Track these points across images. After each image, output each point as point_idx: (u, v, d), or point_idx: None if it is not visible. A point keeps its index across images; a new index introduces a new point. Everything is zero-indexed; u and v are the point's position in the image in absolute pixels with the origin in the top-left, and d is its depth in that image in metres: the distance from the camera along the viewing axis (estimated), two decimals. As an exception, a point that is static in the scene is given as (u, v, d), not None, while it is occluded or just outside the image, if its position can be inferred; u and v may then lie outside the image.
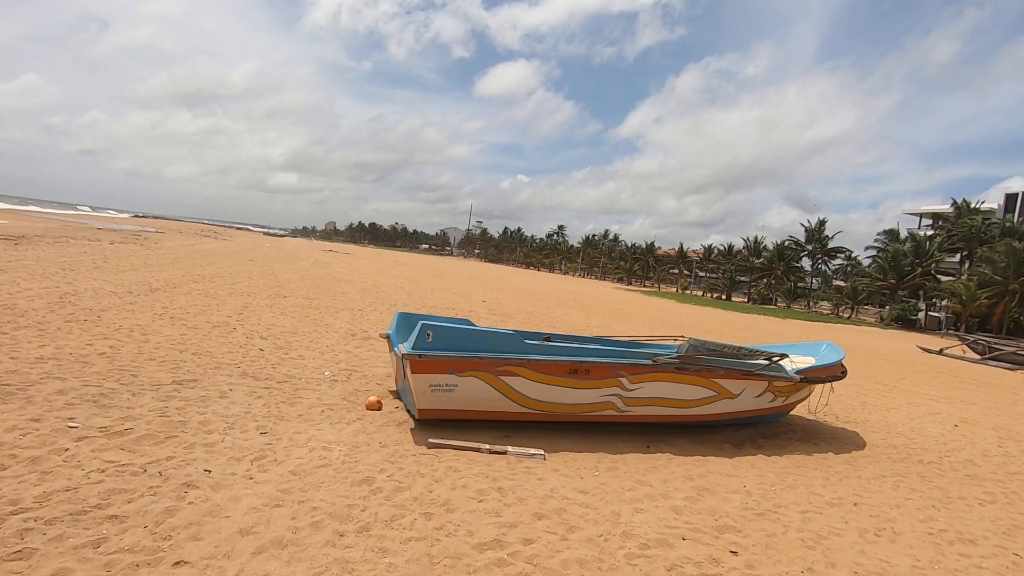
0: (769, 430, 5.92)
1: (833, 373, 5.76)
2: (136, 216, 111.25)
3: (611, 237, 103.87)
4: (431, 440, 4.05)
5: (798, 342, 7.25)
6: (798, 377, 5.39)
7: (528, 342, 4.49)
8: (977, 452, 6.26)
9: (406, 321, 5.38)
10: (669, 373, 4.83)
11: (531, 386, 4.44)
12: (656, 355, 4.83)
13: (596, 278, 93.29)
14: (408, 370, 4.21)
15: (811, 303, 64.23)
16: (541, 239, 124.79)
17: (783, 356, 5.34)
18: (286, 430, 3.94)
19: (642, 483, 3.87)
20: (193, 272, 14.38)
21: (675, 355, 4.88)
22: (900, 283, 51.54)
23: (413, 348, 4.18)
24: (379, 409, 4.80)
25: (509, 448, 4.09)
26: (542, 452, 4.14)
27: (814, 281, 66.70)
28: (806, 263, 66.20)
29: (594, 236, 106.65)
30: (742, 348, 5.94)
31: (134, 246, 22.51)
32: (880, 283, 53.36)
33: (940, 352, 24.40)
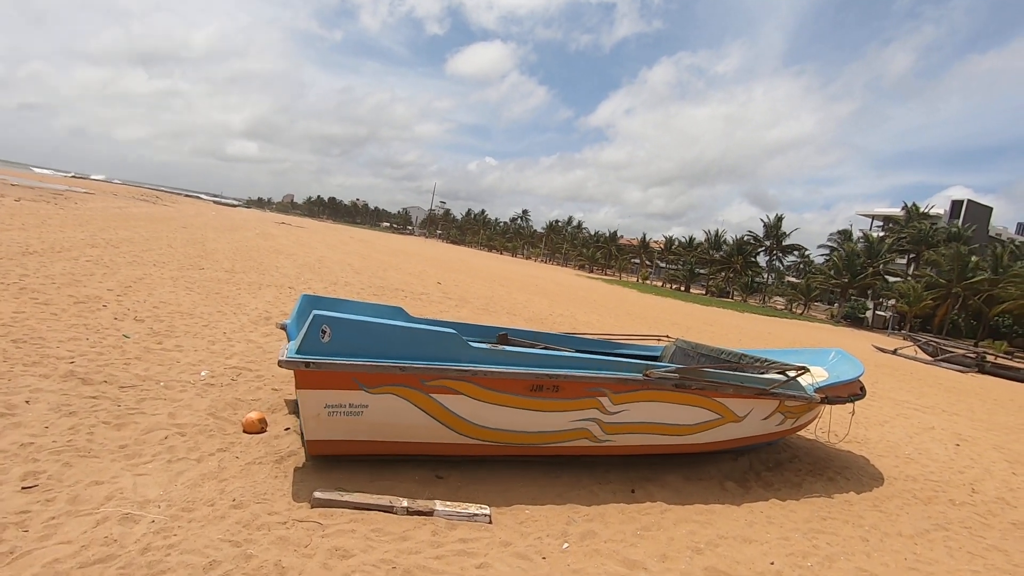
0: (771, 456, 4.80)
1: (853, 391, 4.66)
2: (74, 177, 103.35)
3: (575, 224, 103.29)
4: (317, 494, 2.67)
5: (798, 348, 6.16)
6: (818, 397, 4.24)
7: (476, 346, 3.14)
8: (1000, 485, 5.34)
9: (312, 307, 3.95)
10: (664, 391, 3.59)
11: (477, 408, 3.13)
12: (649, 366, 3.57)
13: (558, 264, 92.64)
14: (295, 383, 2.83)
15: (766, 298, 65.32)
16: (505, 223, 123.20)
17: (803, 370, 4.17)
18: (77, 478, 2.49)
19: (632, 565, 2.62)
20: (99, 236, 12.36)
21: (672, 369, 3.62)
22: (852, 282, 52.74)
23: (299, 351, 2.78)
24: (261, 431, 3.39)
25: (438, 505, 2.76)
26: (487, 511, 2.82)
27: (769, 277, 67.82)
28: (762, 259, 67.27)
29: (558, 222, 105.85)
30: (744, 355, 4.77)
31: (46, 205, 19.90)
32: (834, 281, 54.47)
33: (894, 352, 24.46)
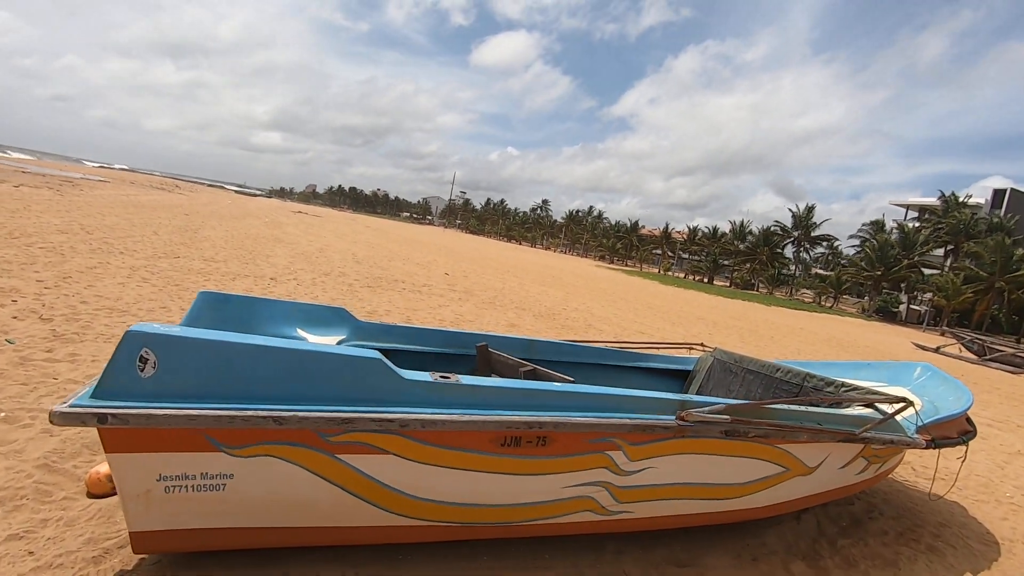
0: (843, 510, 3.60)
1: (964, 428, 3.41)
2: (101, 167, 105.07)
3: (595, 214, 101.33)
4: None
5: (870, 361, 4.89)
6: (923, 440, 3.01)
7: (412, 378, 2.00)
8: None
9: (212, 309, 2.85)
10: (706, 440, 2.42)
11: (416, 473, 2.00)
12: (684, 402, 2.38)
13: (578, 255, 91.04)
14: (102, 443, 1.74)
15: (793, 290, 63.02)
16: (524, 212, 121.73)
17: (905, 404, 2.93)
18: None
19: None
20: (77, 223, 11.52)
21: (719, 407, 2.41)
22: (886, 274, 50.36)
23: (97, 393, 1.68)
24: (111, 493, 2.32)
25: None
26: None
27: (796, 269, 65.45)
28: (788, 251, 64.82)
29: (578, 212, 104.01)
30: (809, 375, 3.55)
31: (46, 191, 19.32)
32: (866, 273, 52.11)
33: (937, 350, 22.71)
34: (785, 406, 2.60)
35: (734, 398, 3.89)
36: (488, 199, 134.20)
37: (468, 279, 15.86)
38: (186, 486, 1.78)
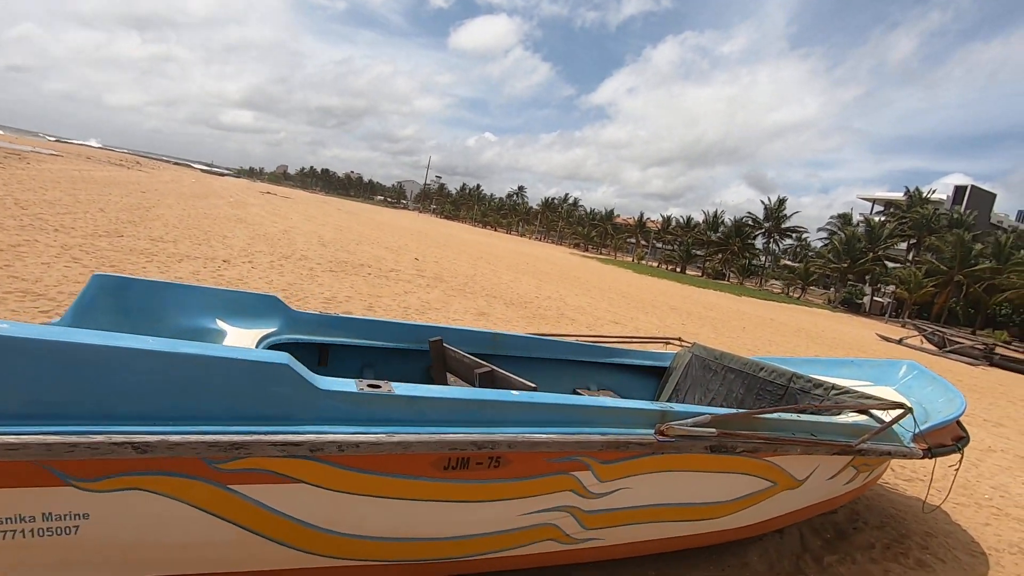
0: (826, 520, 3.35)
1: (957, 434, 3.17)
2: (57, 141, 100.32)
3: (571, 202, 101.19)
4: None
5: (853, 358, 4.66)
6: (919, 449, 2.74)
7: (329, 387, 1.60)
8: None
9: (107, 295, 2.39)
10: (687, 456, 2.09)
11: (335, 505, 1.61)
12: (664, 412, 2.04)
13: (553, 242, 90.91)
14: None
15: (763, 281, 64.10)
16: (500, 199, 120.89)
17: (904, 411, 2.64)
18: None
19: None
20: (13, 196, 10.66)
21: (703, 418, 2.07)
22: (852, 266, 51.51)
23: None
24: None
25: None
26: None
27: (766, 260, 66.56)
28: (759, 242, 65.82)
29: (554, 200, 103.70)
30: (796, 376, 3.26)
31: (-13, 163, 18.05)
32: (833, 265, 53.22)
33: (900, 342, 23.22)
34: (776, 415, 2.29)
35: (713, 398, 3.60)
36: (464, 184, 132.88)
37: (439, 265, 15.39)
38: (20, 531, 1.36)
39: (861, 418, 2.71)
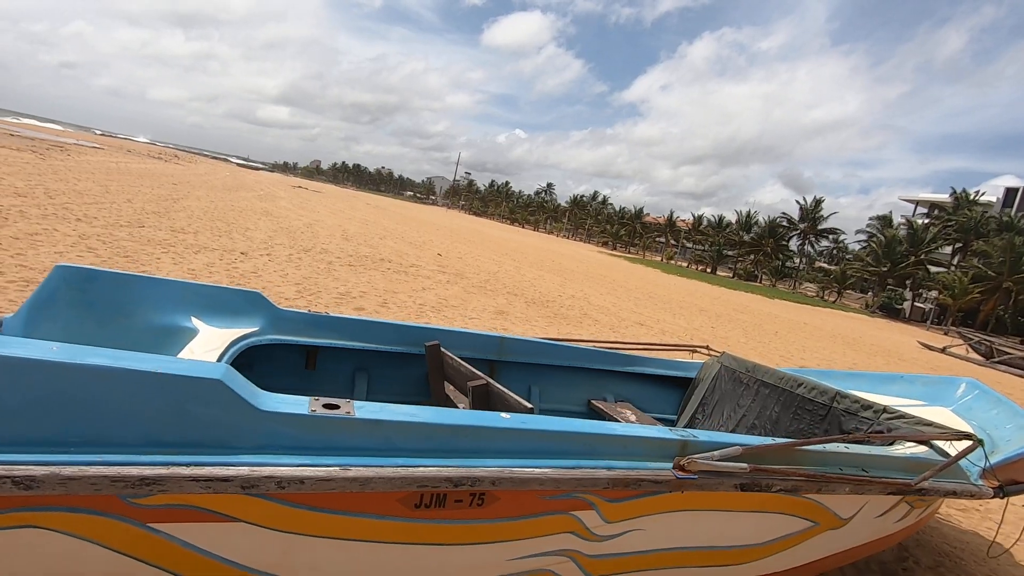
0: (871, 560, 2.96)
1: None
2: (103, 135, 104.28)
3: (600, 199, 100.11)
4: None
5: (899, 373, 4.21)
6: (989, 488, 2.35)
7: (276, 408, 1.34)
8: None
9: (72, 287, 2.18)
10: (713, 493, 1.76)
11: (284, 547, 1.35)
12: (684, 441, 1.71)
13: (580, 240, 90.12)
14: None
15: (796, 283, 62.24)
16: (529, 196, 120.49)
17: (974, 443, 2.25)
18: None
19: None
20: (42, 186, 10.83)
21: (731, 450, 1.73)
22: (892, 270, 49.56)
23: None
24: None
25: None
26: None
27: (800, 262, 64.63)
28: (794, 243, 63.94)
29: (582, 197, 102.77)
30: (840, 395, 2.88)
31: (28, 155, 18.57)
32: (872, 269, 51.30)
33: (944, 350, 22.08)
34: (820, 447, 1.94)
35: (744, 415, 3.24)
36: (492, 181, 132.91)
37: (462, 261, 15.18)
38: None
39: (920, 449, 2.33)
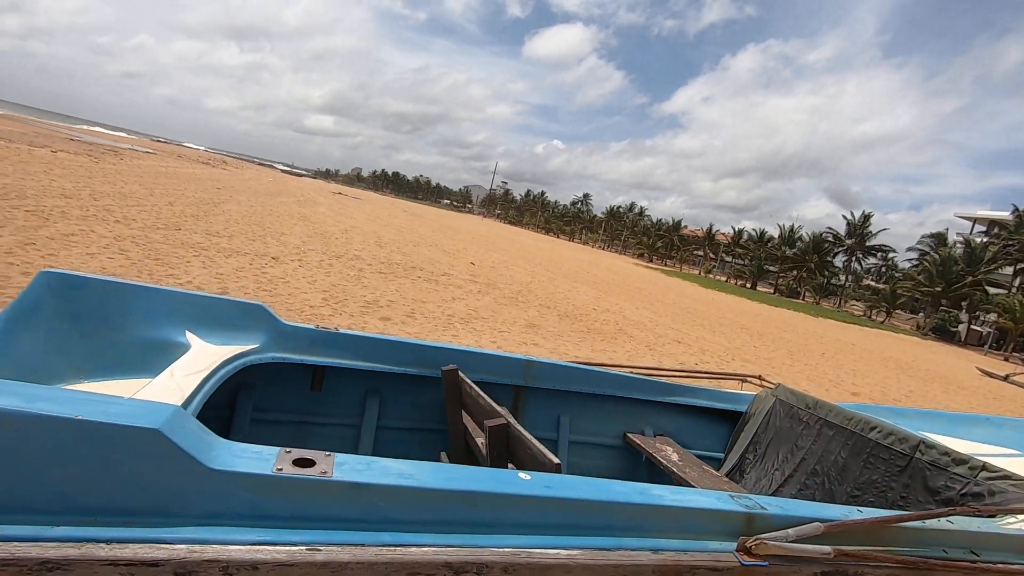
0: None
1: None
2: (155, 140, 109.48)
3: (637, 211, 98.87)
4: None
5: (982, 414, 3.71)
6: None
7: (232, 469, 1.05)
8: None
9: (55, 299, 1.99)
10: None
11: None
12: (752, 521, 1.38)
13: (616, 251, 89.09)
14: None
15: (842, 302, 59.79)
16: (565, 206, 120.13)
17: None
18: None
19: None
20: (88, 188, 11.13)
21: (817, 530, 1.39)
22: (947, 291, 47.04)
23: None
24: None
25: None
26: None
27: (846, 279, 62.09)
28: (839, 260, 61.52)
29: (619, 208, 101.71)
30: (924, 444, 2.46)
31: (83, 158, 19.36)
32: (924, 288, 48.81)
33: (1006, 378, 20.59)
34: (919, 523, 1.55)
35: (804, 458, 2.84)
36: (528, 190, 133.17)
37: (495, 270, 14.95)
38: None
39: (1036, 520, 1.90)
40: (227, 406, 2.39)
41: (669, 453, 2.90)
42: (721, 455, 3.27)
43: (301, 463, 1.07)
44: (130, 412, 0.98)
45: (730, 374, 3.49)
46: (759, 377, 3.44)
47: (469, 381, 2.26)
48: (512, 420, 1.78)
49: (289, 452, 1.10)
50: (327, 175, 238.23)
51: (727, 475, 3.06)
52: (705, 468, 2.85)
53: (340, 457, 1.13)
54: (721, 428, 3.30)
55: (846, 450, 2.67)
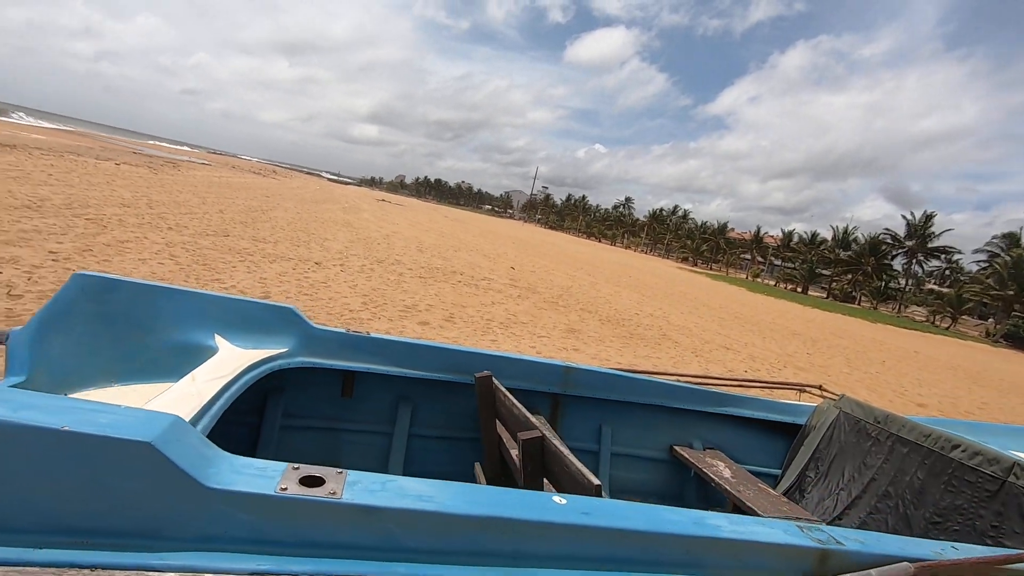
0: None
1: None
2: (211, 152, 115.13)
3: (680, 214, 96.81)
4: None
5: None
6: None
7: (229, 489, 0.94)
8: None
9: (88, 301, 1.98)
10: None
11: None
12: (826, 559, 1.20)
13: (659, 255, 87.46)
14: None
15: (901, 307, 56.69)
16: (606, 210, 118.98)
17: None
18: None
19: None
20: (146, 198, 11.64)
21: (908, 570, 1.20)
22: (1020, 295, 43.91)
23: None
24: None
25: None
26: None
27: (908, 282, 58.88)
28: (898, 263, 58.41)
29: (662, 211, 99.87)
30: (1020, 464, 2.18)
31: (144, 170, 20.37)
32: (995, 292, 45.75)
33: (1092, 390, 18.88)
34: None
35: (874, 479, 2.57)
36: (569, 195, 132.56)
37: (534, 275, 14.81)
38: None
39: None
40: (256, 412, 2.34)
41: (720, 468, 2.69)
42: (777, 471, 3.02)
43: (309, 482, 0.96)
44: (122, 423, 0.89)
45: (786, 383, 3.23)
46: (819, 387, 3.18)
47: (503, 389, 2.13)
48: (548, 432, 1.64)
49: (297, 468, 1.00)
50: (372, 183, 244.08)
51: (785, 494, 2.81)
52: (761, 486, 2.62)
53: (354, 475, 1.02)
54: (777, 442, 3.05)
55: (923, 471, 2.40)
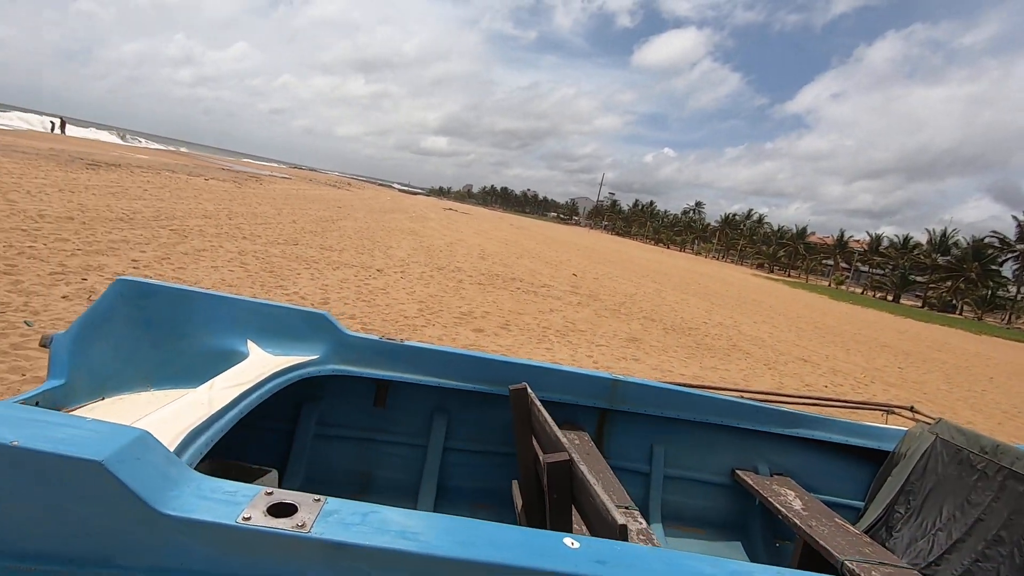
0: None
1: None
2: (293, 167, 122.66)
3: (755, 218, 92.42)
4: None
5: None
6: None
7: (188, 517, 0.85)
8: None
9: (128, 306, 2.01)
10: None
11: None
12: None
13: (732, 262, 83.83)
14: None
15: (1012, 317, 51.10)
16: (675, 215, 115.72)
17: None
18: None
19: None
20: (227, 210, 12.39)
21: None
22: None
23: None
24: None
25: None
26: None
27: (1019, 290, 53.06)
28: (1008, 269, 52.70)
29: (735, 216, 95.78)
30: None
31: (229, 184, 21.83)
32: None
33: None
34: None
35: (981, 519, 2.18)
36: (636, 200, 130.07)
37: (597, 282, 14.49)
38: None
39: None
40: (291, 420, 2.31)
41: (790, 498, 2.39)
42: (858, 504, 2.66)
43: (278, 511, 0.85)
44: (77, 439, 0.81)
45: (871, 403, 2.85)
46: (911, 408, 2.78)
47: (539, 403, 1.97)
48: (580, 454, 1.46)
49: (270, 494, 0.89)
50: (440, 192, 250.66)
51: (868, 532, 2.46)
52: (838, 521, 2.30)
53: (333, 503, 0.90)
54: (858, 470, 2.69)
55: (1045, 514, 2.01)
